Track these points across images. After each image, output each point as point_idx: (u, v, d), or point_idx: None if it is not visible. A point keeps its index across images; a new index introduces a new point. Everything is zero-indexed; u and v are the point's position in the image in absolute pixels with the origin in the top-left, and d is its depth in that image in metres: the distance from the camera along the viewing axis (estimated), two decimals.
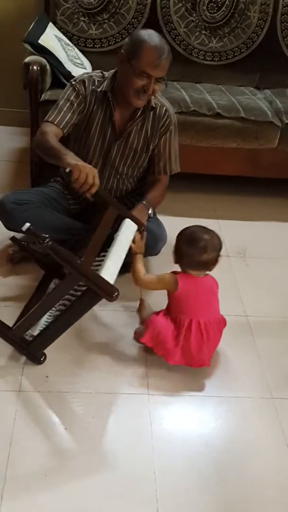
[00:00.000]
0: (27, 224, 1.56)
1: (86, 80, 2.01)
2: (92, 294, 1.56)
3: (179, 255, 1.80)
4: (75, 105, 1.99)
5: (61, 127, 1.96)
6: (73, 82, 2.01)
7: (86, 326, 1.94)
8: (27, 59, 2.45)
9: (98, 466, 1.49)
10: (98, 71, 2.07)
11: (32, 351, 1.76)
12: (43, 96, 2.49)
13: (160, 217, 2.21)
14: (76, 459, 1.51)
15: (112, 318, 2.00)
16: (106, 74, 2.03)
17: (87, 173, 1.72)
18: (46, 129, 1.93)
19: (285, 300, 2.23)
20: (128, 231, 1.86)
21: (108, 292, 1.53)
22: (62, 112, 1.97)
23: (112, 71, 2.02)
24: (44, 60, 2.48)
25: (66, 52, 2.64)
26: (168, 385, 1.76)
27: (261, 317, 2.12)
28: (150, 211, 2.07)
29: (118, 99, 2.00)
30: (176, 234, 1.83)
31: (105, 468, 1.49)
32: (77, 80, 2.01)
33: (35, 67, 2.42)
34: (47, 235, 1.52)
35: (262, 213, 2.81)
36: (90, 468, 1.49)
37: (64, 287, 1.64)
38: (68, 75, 2.56)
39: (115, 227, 1.87)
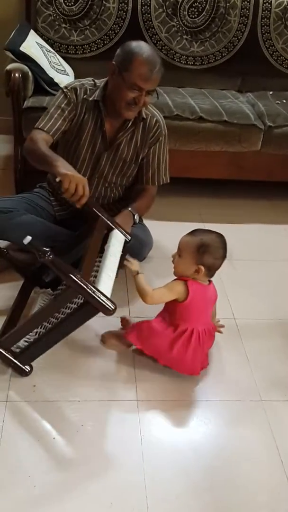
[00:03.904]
0: (28, 238, 1.50)
1: (78, 88, 1.99)
2: (89, 308, 1.55)
3: (207, 267, 1.71)
4: (66, 112, 1.97)
5: (51, 133, 1.94)
6: (65, 90, 1.99)
7: (72, 333, 1.91)
8: (8, 67, 2.45)
9: (87, 475, 1.48)
10: (90, 79, 2.04)
11: (20, 363, 1.73)
12: (25, 103, 2.48)
13: (145, 222, 2.20)
14: (65, 468, 1.49)
15: (98, 324, 1.98)
16: (98, 82, 2.02)
17: (77, 183, 1.70)
18: (36, 136, 1.91)
19: (272, 302, 2.23)
20: (117, 242, 1.85)
21: (107, 307, 1.52)
22: (53, 119, 1.95)
23: (104, 80, 2.00)
24: (26, 67, 2.48)
25: (48, 58, 2.64)
26: (156, 391, 1.75)
27: (249, 319, 2.12)
28: (136, 217, 2.06)
29: (109, 109, 1.98)
30: (191, 245, 1.70)
31: (94, 477, 1.48)
32: (69, 88, 1.99)
33: (17, 75, 2.41)
34: (48, 249, 1.49)
35: (247, 215, 2.82)
36: (79, 477, 1.47)
37: (61, 300, 1.61)
38: (51, 82, 2.56)
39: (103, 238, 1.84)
